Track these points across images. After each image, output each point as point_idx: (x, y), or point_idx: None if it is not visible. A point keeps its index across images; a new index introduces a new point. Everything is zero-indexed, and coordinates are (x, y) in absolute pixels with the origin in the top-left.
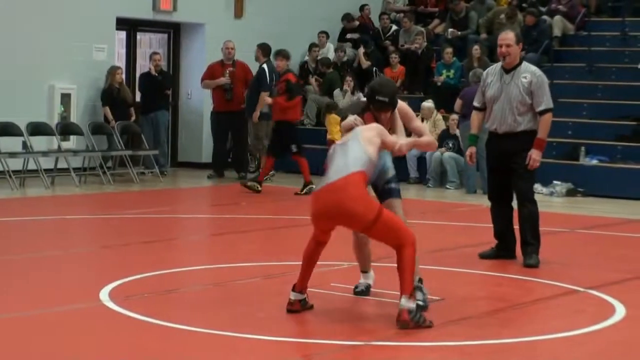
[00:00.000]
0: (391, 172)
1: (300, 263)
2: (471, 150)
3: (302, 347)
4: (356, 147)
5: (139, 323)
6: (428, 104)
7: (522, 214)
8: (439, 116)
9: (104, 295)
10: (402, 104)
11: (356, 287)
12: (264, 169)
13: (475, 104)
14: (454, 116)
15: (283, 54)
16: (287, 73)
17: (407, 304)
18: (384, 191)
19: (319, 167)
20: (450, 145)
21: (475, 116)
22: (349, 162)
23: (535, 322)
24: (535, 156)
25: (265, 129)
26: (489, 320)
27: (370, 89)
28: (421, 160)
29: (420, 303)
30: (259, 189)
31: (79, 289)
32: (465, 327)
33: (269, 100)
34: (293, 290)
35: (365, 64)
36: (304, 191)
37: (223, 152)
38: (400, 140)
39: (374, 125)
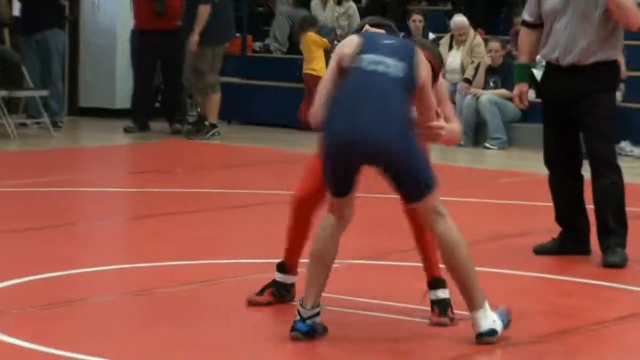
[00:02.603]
0: None
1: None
2: (521, 87)
3: None
4: None
5: (19, 353)
6: (459, 18)
7: (599, 187)
8: (478, 39)
9: None
10: None
11: None
12: None
13: (526, 17)
14: (496, 45)
15: None
16: None
17: None
18: None
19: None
20: (492, 84)
21: (525, 37)
22: None
23: (618, 349)
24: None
25: (210, 59)
26: (551, 348)
27: None
28: None
29: None
30: None
31: None
32: (514, 357)
33: None
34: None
35: None
36: None
37: (148, 92)
38: None
39: None
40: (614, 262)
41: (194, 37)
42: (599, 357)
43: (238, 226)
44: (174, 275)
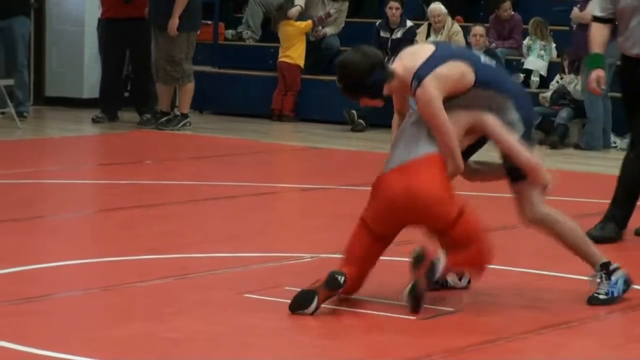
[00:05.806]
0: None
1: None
2: (598, 72)
3: None
4: None
5: None
6: (436, 4)
7: (627, 157)
8: (456, 27)
9: None
10: None
11: None
12: None
13: (597, 12)
14: (480, 29)
15: None
16: None
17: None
18: (513, 169)
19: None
20: None
21: (597, 31)
22: (420, 140)
23: (600, 345)
24: None
25: (185, 47)
26: (531, 344)
27: None
28: None
29: None
30: None
31: None
32: (494, 352)
33: None
34: None
35: None
36: None
37: (117, 82)
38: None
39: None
40: (590, 234)
41: (175, 21)
42: (580, 354)
43: (210, 219)
44: (145, 269)
